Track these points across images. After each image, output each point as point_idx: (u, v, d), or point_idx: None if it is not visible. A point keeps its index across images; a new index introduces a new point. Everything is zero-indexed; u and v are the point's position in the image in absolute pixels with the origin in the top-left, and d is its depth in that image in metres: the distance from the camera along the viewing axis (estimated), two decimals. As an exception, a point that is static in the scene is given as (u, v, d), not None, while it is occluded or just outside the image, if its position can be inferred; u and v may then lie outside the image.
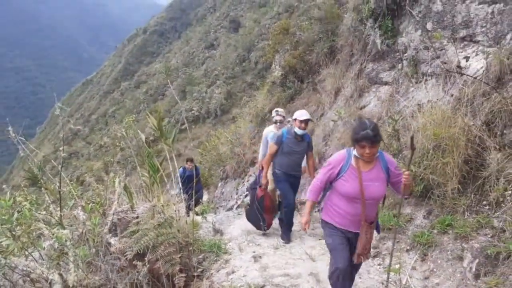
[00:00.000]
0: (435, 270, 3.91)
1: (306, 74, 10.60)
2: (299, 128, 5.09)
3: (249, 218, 5.59)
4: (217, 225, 5.68)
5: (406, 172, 2.94)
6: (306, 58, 10.43)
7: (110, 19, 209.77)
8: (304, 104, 10.09)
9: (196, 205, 8.98)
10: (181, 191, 8.63)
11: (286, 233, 5.31)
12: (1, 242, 2.75)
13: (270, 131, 5.99)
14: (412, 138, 3.02)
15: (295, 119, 5.12)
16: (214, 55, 48.01)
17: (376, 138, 2.87)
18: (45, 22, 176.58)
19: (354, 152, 3.02)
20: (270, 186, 5.85)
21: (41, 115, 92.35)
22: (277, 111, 6.08)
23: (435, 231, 4.20)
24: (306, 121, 5.10)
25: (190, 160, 9.17)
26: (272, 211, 5.50)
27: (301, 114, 5.13)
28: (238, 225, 5.88)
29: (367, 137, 2.84)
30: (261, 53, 28.53)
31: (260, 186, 5.40)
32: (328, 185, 3.21)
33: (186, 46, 57.68)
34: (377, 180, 3.02)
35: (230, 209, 9.93)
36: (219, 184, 12.53)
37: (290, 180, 5.37)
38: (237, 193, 10.84)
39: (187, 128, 33.63)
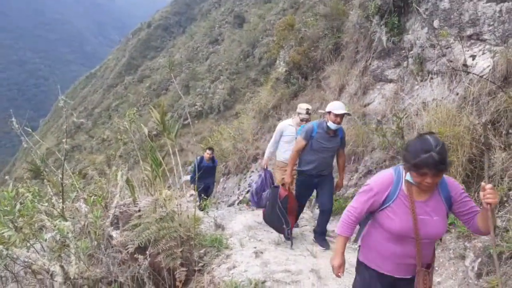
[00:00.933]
0: (437, 268, 3.90)
1: (311, 70, 10.56)
2: (334, 122, 4.44)
3: (269, 221, 4.97)
4: (219, 220, 5.68)
5: (488, 186, 2.03)
6: (310, 54, 10.39)
7: (115, 13, 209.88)
8: (308, 101, 10.05)
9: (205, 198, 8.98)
10: (194, 181, 8.51)
11: (321, 242, 4.84)
12: (3, 233, 2.75)
13: (287, 126, 5.59)
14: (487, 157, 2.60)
15: (329, 112, 4.48)
16: (218, 50, 47.91)
17: (444, 166, 2.05)
18: (51, 16, 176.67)
19: (407, 176, 2.23)
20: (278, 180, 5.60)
21: (44, 108, 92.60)
22: (307, 109, 5.41)
23: None
24: (342, 116, 4.49)
25: (211, 148, 8.87)
26: (295, 213, 4.99)
27: (337, 107, 4.46)
28: (240, 221, 5.88)
29: (431, 163, 2.02)
30: (266, 49, 28.44)
31: (282, 185, 4.89)
32: (367, 215, 2.45)
33: (190, 41, 57.56)
34: (437, 214, 2.24)
35: (232, 204, 9.95)
36: (221, 180, 12.54)
37: (315, 180, 4.82)
38: (239, 189, 10.85)
39: (190, 123, 33.64)
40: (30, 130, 3.54)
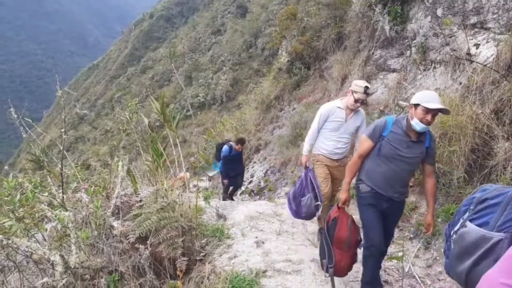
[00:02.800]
0: (438, 258, 3.90)
1: (313, 60, 10.50)
2: (421, 121, 3.01)
3: (320, 250, 3.76)
4: (221, 210, 5.68)
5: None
6: (313, 44, 10.32)
7: (117, 3, 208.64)
8: (311, 91, 10.02)
9: (235, 189, 8.80)
10: (227, 174, 8.13)
11: None
12: (4, 223, 2.77)
13: (334, 109, 4.38)
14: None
15: (415, 105, 3.05)
16: (220, 41, 47.64)
17: None
18: (52, 6, 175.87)
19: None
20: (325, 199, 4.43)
21: (47, 100, 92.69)
22: (366, 87, 4.18)
23: (440, 219, 4.16)
24: (436, 113, 3.03)
25: (242, 142, 8.22)
26: (348, 246, 3.46)
27: (430, 98, 3.02)
28: (241, 211, 5.88)
29: None
30: (268, 39, 28.24)
31: (337, 206, 3.59)
32: None
33: (192, 32, 57.25)
34: None
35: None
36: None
37: (383, 206, 3.30)
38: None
39: (192, 114, 33.62)
40: (31, 121, 3.53)
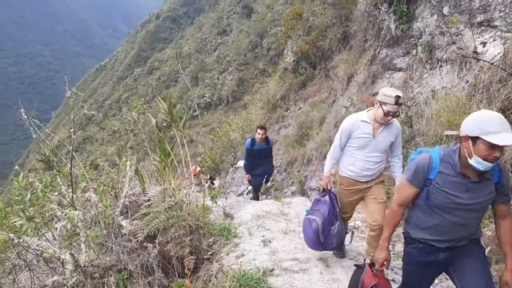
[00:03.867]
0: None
1: (319, 60, 10.50)
2: (487, 159, 2.16)
3: None
4: (228, 209, 5.72)
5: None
6: (319, 44, 10.32)
7: (122, 4, 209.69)
8: (316, 91, 10.02)
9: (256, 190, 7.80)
10: (249, 169, 7.24)
11: None
12: (15, 222, 2.82)
13: (358, 123, 3.62)
14: None
15: (473, 139, 2.19)
16: (226, 41, 47.72)
17: None
18: (58, 7, 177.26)
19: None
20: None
21: (55, 101, 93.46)
22: (397, 97, 3.33)
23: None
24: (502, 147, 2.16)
25: (262, 128, 7.14)
26: None
27: (496, 127, 2.12)
28: (248, 210, 5.91)
29: None
30: (274, 39, 28.26)
31: (370, 266, 2.87)
32: None
33: (198, 32, 57.41)
34: None
35: (241, 194, 10.00)
36: (230, 170, 12.59)
37: (440, 256, 2.53)
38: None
39: (198, 114, 33.73)
40: (38, 121, 3.58)
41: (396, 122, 3.67)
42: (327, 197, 3.89)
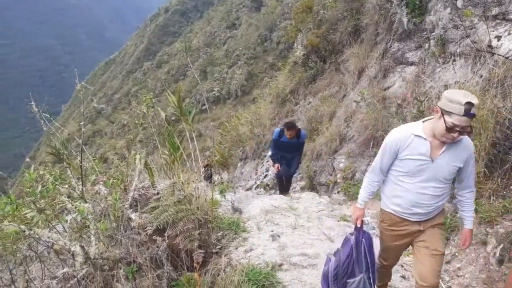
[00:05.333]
0: (457, 254, 3.84)
1: (329, 54, 10.40)
2: None
3: None
4: (236, 204, 5.71)
5: None
6: (329, 37, 10.22)
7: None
8: (326, 85, 9.94)
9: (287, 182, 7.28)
10: (277, 159, 6.62)
11: None
12: (26, 214, 2.84)
13: (409, 138, 2.57)
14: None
15: None
16: (235, 35, 47.61)
17: None
18: (68, 1, 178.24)
19: None
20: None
21: (65, 94, 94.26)
22: (469, 104, 2.29)
23: (458, 215, 4.10)
24: None
25: (289, 126, 6.30)
26: None
27: None
28: (257, 205, 5.90)
29: None
30: (283, 32, 28.13)
31: None
32: None
33: (207, 26, 57.36)
34: None
35: (249, 189, 10.00)
36: (239, 165, 12.60)
37: None
38: (256, 173, 10.88)
39: (207, 108, 33.78)
40: (49, 115, 3.59)
41: (467, 140, 2.59)
42: (352, 239, 2.86)
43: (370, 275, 2.85)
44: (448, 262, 3.81)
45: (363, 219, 2.93)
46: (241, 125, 13.72)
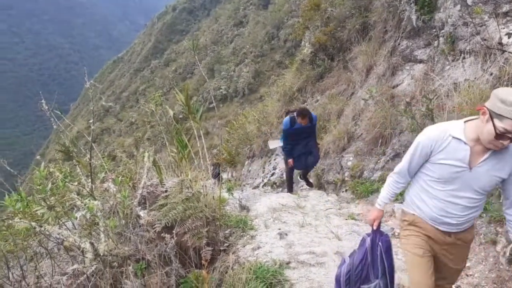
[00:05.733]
0: (466, 253, 3.81)
1: (337, 51, 10.34)
2: None
3: None
4: (244, 201, 5.72)
5: None
6: (337, 35, 10.17)
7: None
8: (334, 83, 9.90)
9: (305, 174, 7.19)
10: (289, 152, 6.42)
11: None
12: (37, 210, 2.88)
13: (447, 140, 2.22)
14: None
15: None
16: (242, 33, 47.60)
17: None
18: (77, 0, 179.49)
19: None
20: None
21: (74, 92, 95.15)
22: None
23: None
24: None
25: (302, 112, 6.12)
26: None
27: None
28: (264, 203, 5.91)
29: None
30: (291, 30, 28.04)
31: None
32: None
33: (215, 24, 57.41)
34: None
35: (257, 187, 10.00)
36: (246, 163, 12.61)
37: None
38: (263, 171, 10.88)
39: (215, 106, 33.84)
40: (59, 113, 3.63)
41: None
42: (368, 241, 2.62)
43: (388, 282, 2.58)
44: (457, 261, 3.78)
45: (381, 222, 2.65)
46: (248, 123, 13.71)
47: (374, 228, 2.62)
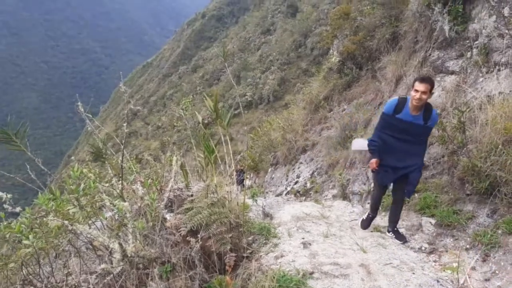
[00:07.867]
0: (497, 272, 3.68)
1: (366, 60, 10.25)
2: None
3: None
4: (267, 209, 5.72)
5: None
6: (366, 44, 10.08)
7: (171, 3, 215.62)
8: (362, 92, 9.81)
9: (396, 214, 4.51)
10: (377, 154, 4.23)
11: None
12: (69, 210, 2.96)
13: None
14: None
15: None
16: (270, 40, 47.84)
17: None
18: (111, 6, 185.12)
19: None
20: None
21: (104, 95, 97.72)
22: None
23: (500, 231, 3.93)
24: None
25: (427, 80, 4.04)
26: None
27: None
28: (288, 211, 5.88)
29: None
30: (318, 38, 27.96)
31: None
32: None
33: (242, 31, 57.97)
34: None
35: (280, 194, 9.97)
36: (269, 170, 12.60)
37: None
38: (287, 179, 10.85)
39: (242, 112, 34.03)
40: (91, 115, 3.74)
41: None
42: None
43: None
44: (487, 280, 3.65)
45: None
46: (273, 130, 13.72)
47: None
